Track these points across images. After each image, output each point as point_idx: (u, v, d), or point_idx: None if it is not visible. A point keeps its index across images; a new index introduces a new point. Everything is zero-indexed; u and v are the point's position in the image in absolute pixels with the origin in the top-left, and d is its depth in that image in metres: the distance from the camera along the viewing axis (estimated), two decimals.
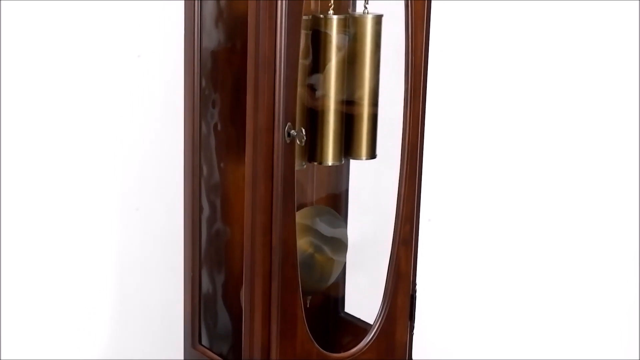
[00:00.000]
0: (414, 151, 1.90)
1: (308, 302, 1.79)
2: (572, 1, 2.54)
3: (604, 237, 2.72)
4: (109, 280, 2.20)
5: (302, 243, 1.99)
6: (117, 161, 2.16)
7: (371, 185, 2.10)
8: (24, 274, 2.09)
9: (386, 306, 1.92)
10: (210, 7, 1.91)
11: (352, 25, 1.90)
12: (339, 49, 1.87)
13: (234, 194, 2.00)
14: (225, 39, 1.95)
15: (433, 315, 2.53)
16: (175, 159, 2.03)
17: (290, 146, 1.70)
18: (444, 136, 2.47)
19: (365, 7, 1.90)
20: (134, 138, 2.17)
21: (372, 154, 1.96)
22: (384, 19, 1.91)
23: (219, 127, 1.96)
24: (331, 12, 1.86)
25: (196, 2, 1.87)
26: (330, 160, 1.92)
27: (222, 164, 1.99)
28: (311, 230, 2.03)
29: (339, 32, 1.86)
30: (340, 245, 2.08)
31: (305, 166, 1.94)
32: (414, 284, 1.96)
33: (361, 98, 1.92)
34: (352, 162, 2.07)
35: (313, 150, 1.91)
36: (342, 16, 1.87)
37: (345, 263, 2.11)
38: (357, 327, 2.08)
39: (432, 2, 1.87)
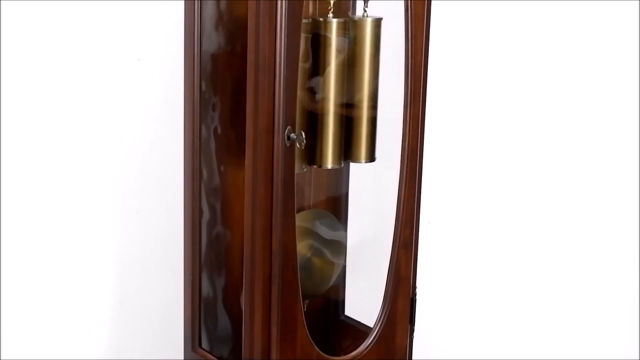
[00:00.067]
0: (414, 154, 1.90)
1: (305, 306, 1.79)
2: (572, 2, 2.54)
3: (604, 238, 2.72)
4: (109, 282, 2.20)
5: (301, 246, 1.99)
6: (118, 164, 2.16)
7: (371, 188, 2.10)
8: (25, 275, 2.09)
9: (386, 309, 1.92)
10: (210, 10, 1.91)
11: (351, 29, 1.90)
12: (338, 52, 1.87)
13: (234, 197, 2.00)
14: (225, 42, 1.95)
15: (433, 319, 2.53)
16: (175, 162, 2.03)
17: (290, 149, 1.70)
18: (444, 139, 2.47)
19: (365, 11, 1.91)
20: (135, 141, 2.17)
21: (371, 157, 1.96)
22: (383, 21, 1.91)
23: (219, 131, 1.96)
24: (331, 15, 1.86)
25: (196, 5, 1.87)
26: (329, 163, 1.92)
27: (222, 167, 1.99)
28: (311, 233, 2.03)
29: (338, 35, 1.86)
30: (339, 247, 2.08)
31: (305, 169, 1.94)
32: (414, 288, 1.96)
33: (361, 101, 1.92)
34: (352, 164, 2.07)
35: (313, 153, 1.91)
36: (341, 20, 1.87)
37: (343, 266, 2.11)
38: (357, 331, 2.08)
39: (432, 3, 1.87)
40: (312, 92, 1.89)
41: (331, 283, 2.09)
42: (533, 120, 2.60)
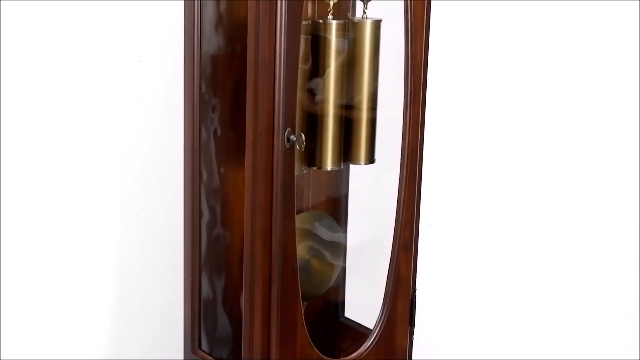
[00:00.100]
0: (414, 155, 1.90)
1: (304, 307, 1.79)
2: (572, 2, 2.54)
3: (603, 238, 2.72)
4: (109, 282, 2.20)
5: (300, 248, 1.99)
6: (118, 165, 2.16)
7: (371, 189, 2.10)
8: (25, 275, 2.10)
9: (386, 311, 1.92)
10: (210, 12, 1.91)
11: (351, 30, 1.90)
12: (338, 53, 1.87)
13: (233, 199, 2.00)
14: (225, 43, 1.95)
15: (433, 320, 2.53)
16: (175, 163, 2.03)
17: (290, 151, 1.70)
18: (444, 140, 2.47)
19: (364, 12, 1.90)
20: (135, 142, 2.17)
21: (370, 159, 1.96)
22: (383, 22, 1.91)
23: (218, 132, 1.96)
24: (330, 17, 1.86)
25: (196, 6, 1.87)
26: (329, 165, 1.92)
27: (221, 169, 1.99)
28: (310, 235, 2.03)
29: (338, 37, 1.86)
30: (338, 249, 2.08)
31: (305, 171, 1.94)
32: (414, 289, 1.96)
33: (360, 102, 1.92)
34: (352, 166, 2.07)
35: (312, 155, 1.91)
36: (341, 21, 1.87)
37: (343, 267, 2.10)
38: (357, 332, 2.08)
39: (432, 4, 1.87)
40: (311, 93, 1.89)
41: (330, 284, 2.09)
42: (533, 121, 2.60)
